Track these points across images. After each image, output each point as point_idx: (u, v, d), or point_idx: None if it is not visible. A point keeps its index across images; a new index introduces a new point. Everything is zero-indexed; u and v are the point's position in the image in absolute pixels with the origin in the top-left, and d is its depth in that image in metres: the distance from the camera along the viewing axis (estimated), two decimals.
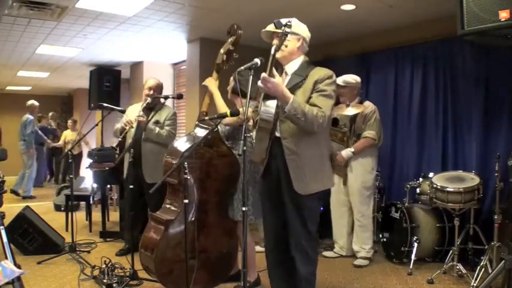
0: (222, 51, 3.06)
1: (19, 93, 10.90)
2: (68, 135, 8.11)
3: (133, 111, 3.79)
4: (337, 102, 3.92)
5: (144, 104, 3.73)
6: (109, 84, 7.04)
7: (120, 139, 3.65)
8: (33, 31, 4.93)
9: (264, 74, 2.14)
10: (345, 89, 3.82)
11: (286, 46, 2.32)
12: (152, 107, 3.84)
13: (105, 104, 4.08)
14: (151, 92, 3.82)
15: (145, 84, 3.95)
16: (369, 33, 4.83)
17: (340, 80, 3.77)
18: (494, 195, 3.22)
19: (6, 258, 2.15)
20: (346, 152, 3.81)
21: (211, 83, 3.05)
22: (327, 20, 4.34)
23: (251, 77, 2.13)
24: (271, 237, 2.53)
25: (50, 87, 10.04)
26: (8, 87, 10.07)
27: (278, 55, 2.34)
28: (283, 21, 2.20)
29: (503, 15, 2.33)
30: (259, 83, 2.16)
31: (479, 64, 3.87)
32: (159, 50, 6.08)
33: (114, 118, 5.91)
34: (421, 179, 3.81)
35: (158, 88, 3.91)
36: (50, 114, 9.54)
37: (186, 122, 6.01)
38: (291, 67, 2.42)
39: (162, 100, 3.98)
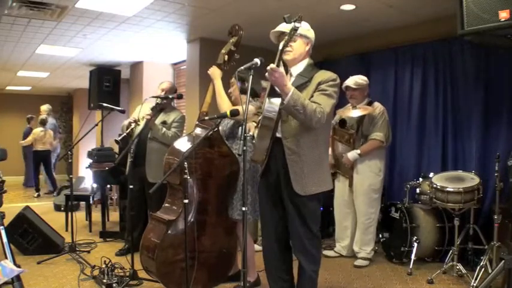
0: (223, 51, 3.05)
1: (19, 93, 10.89)
2: (36, 133, 8.00)
3: (144, 110, 3.77)
4: (342, 104, 3.91)
5: (152, 103, 3.71)
6: (109, 84, 7.04)
7: (125, 134, 3.65)
8: (33, 31, 4.93)
9: (272, 65, 2.14)
10: (356, 91, 3.80)
11: (293, 43, 2.33)
12: (163, 108, 3.85)
13: (104, 104, 4.09)
14: (163, 93, 3.84)
15: (159, 85, 4.01)
16: (369, 33, 4.83)
17: (351, 82, 3.76)
18: (494, 195, 3.22)
19: (6, 258, 2.15)
20: (352, 154, 3.79)
21: (216, 73, 3.03)
22: (327, 20, 4.34)
23: (251, 76, 2.14)
24: (270, 237, 2.53)
25: (49, 87, 10.02)
26: (8, 87, 10.06)
27: (288, 57, 2.38)
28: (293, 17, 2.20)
29: (503, 15, 2.33)
30: (266, 74, 2.15)
31: (479, 64, 3.87)
32: (159, 50, 6.07)
33: (114, 118, 5.94)
34: (421, 179, 3.82)
35: (171, 90, 3.95)
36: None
37: (186, 122, 6.00)
38: (296, 69, 2.44)
39: (172, 103, 4.05)
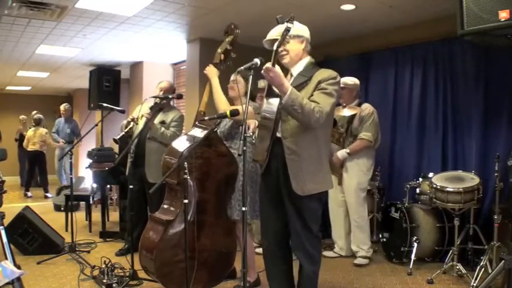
0: (219, 50, 3.05)
1: (19, 93, 10.90)
2: (28, 133, 8.01)
3: (143, 110, 3.75)
4: (338, 104, 3.94)
5: (152, 103, 3.71)
6: (109, 84, 7.04)
7: (123, 133, 3.65)
8: (32, 31, 4.93)
9: (267, 64, 2.14)
10: (343, 90, 3.82)
11: (289, 44, 2.34)
12: (161, 108, 3.85)
13: (104, 104, 4.08)
14: (162, 93, 3.84)
15: (157, 85, 4.01)
16: (369, 33, 4.83)
17: None
18: (494, 195, 3.22)
19: (6, 258, 2.15)
20: (341, 153, 3.85)
21: (213, 71, 3.02)
22: (327, 20, 4.34)
23: (251, 76, 2.14)
24: (270, 236, 2.53)
25: (49, 87, 10.03)
26: (8, 87, 10.06)
27: (285, 60, 2.38)
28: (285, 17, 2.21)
29: (503, 15, 2.32)
30: (262, 72, 2.16)
31: (479, 64, 3.87)
32: (159, 50, 6.08)
33: (114, 118, 5.93)
34: (421, 179, 3.82)
35: (169, 90, 3.95)
36: (21, 117, 9.20)
37: (185, 122, 6.00)
38: (296, 68, 2.44)
39: (171, 102, 4.05)
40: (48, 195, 7.92)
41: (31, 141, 7.83)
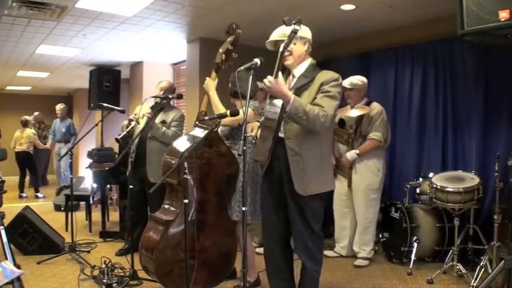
0: (220, 50, 3.06)
1: (19, 93, 10.89)
2: (15, 134, 8.04)
3: (144, 110, 3.75)
4: (342, 105, 3.92)
5: (152, 103, 3.71)
6: (109, 84, 7.04)
7: (125, 132, 3.65)
8: (32, 31, 4.93)
9: (269, 77, 2.15)
10: (351, 91, 3.80)
11: (294, 45, 2.34)
12: (162, 108, 3.85)
13: (104, 104, 4.08)
14: (162, 92, 3.84)
15: (157, 84, 4.01)
16: (369, 33, 4.83)
17: (347, 82, 3.76)
18: (494, 195, 3.22)
19: (6, 258, 2.15)
20: (350, 154, 3.80)
21: (210, 84, 3.04)
22: (327, 20, 4.34)
23: (251, 77, 2.14)
24: (272, 236, 2.54)
25: (49, 87, 10.02)
26: (8, 87, 10.06)
27: (288, 62, 2.38)
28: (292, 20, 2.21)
29: (503, 15, 2.33)
30: (263, 86, 2.16)
31: (479, 64, 3.87)
32: (159, 50, 6.07)
33: (114, 118, 5.93)
34: (421, 179, 3.82)
35: (169, 89, 3.96)
36: (36, 113, 9.12)
37: (186, 122, 6.00)
38: (299, 70, 2.45)
39: (171, 102, 4.06)
40: (39, 195, 7.93)
41: (18, 142, 7.87)
